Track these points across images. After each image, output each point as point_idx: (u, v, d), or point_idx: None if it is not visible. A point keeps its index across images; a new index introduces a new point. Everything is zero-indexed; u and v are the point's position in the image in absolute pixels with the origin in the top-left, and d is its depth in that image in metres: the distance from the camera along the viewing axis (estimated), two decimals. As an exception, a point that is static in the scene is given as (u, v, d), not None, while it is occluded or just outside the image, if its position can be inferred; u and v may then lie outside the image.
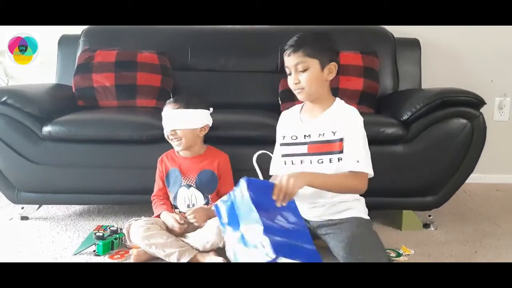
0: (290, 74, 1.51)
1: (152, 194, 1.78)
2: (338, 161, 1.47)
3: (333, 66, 1.49)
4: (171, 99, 1.77)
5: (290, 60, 1.48)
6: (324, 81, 1.50)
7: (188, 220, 1.67)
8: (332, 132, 1.48)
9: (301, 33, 1.51)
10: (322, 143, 1.49)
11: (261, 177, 1.45)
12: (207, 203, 1.72)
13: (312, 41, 1.47)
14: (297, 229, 1.29)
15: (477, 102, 1.81)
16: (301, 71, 1.47)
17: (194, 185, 1.72)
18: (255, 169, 1.60)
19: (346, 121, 1.48)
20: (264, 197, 1.27)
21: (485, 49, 2.60)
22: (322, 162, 1.48)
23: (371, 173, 1.45)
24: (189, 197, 1.72)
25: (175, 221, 1.63)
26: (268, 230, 1.19)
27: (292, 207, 1.33)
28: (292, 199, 1.32)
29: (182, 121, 1.68)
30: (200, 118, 1.71)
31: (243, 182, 1.26)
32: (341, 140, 1.46)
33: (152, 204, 1.77)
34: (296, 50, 1.45)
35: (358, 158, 1.43)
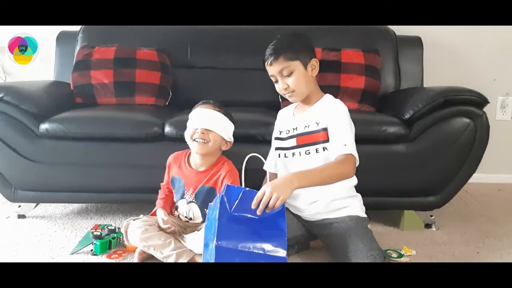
0: (276, 81, 1.53)
1: (162, 183, 1.75)
2: (324, 150, 1.48)
3: (314, 62, 1.53)
4: (208, 100, 1.65)
5: (274, 69, 1.50)
6: (310, 78, 1.54)
7: (188, 224, 1.67)
8: (316, 123, 1.51)
9: (275, 42, 1.53)
10: (308, 134, 1.52)
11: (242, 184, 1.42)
12: (204, 218, 1.65)
13: (289, 45, 1.50)
14: (273, 234, 1.25)
15: (480, 101, 1.79)
16: (286, 75, 1.50)
17: (194, 201, 1.65)
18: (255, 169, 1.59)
19: (330, 110, 1.51)
20: (247, 204, 1.26)
21: (487, 47, 2.58)
22: (309, 153, 1.51)
23: (357, 157, 1.44)
24: (187, 211, 1.68)
25: (162, 221, 1.60)
26: (223, 238, 1.19)
27: (279, 211, 1.28)
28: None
29: (219, 125, 1.60)
30: (231, 131, 1.65)
31: (223, 188, 1.28)
32: (325, 129, 1.48)
33: (159, 192, 1.74)
34: (277, 57, 1.48)
35: (344, 142, 1.43)
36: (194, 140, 1.59)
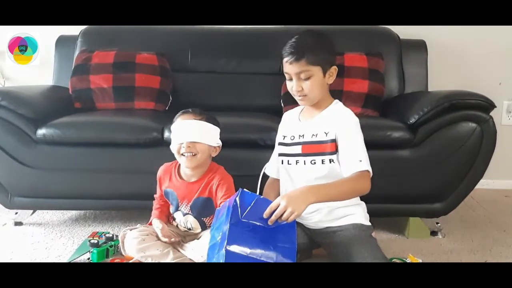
0: (290, 79, 1.46)
1: (155, 195, 1.72)
2: (330, 162, 1.43)
3: (333, 70, 1.46)
4: (187, 109, 1.60)
5: (292, 68, 1.42)
6: (325, 85, 1.48)
7: (188, 233, 1.65)
8: (325, 133, 1.45)
9: (299, 37, 1.44)
10: (315, 143, 1.46)
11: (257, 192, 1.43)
12: (203, 227, 1.63)
13: (313, 48, 1.41)
14: (283, 245, 1.23)
15: (487, 105, 1.75)
16: (304, 79, 1.42)
17: (190, 213, 1.61)
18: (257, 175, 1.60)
19: (341, 123, 1.44)
20: (259, 212, 1.24)
21: (493, 50, 2.54)
22: (315, 163, 1.45)
23: (371, 172, 1.40)
24: (184, 222, 1.64)
25: (160, 232, 1.56)
26: (234, 242, 1.17)
27: (289, 225, 1.26)
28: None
29: (203, 135, 1.53)
30: (216, 136, 1.59)
31: (237, 193, 1.25)
32: (333, 141, 1.43)
33: (153, 203, 1.71)
34: (299, 58, 1.40)
35: (359, 157, 1.39)
36: (182, 154, 1.54)
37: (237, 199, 1.23)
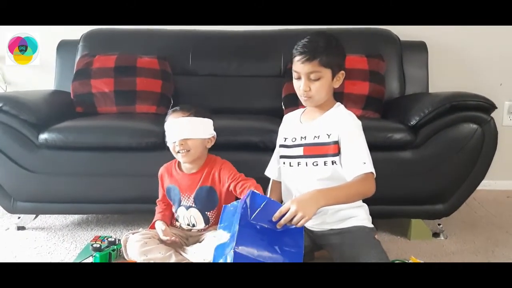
0: (299, 78, 1.46)
1: (157, 199, 1.73)
2: (332, 164, 1.44)
3: (341, 74, 1.48)
4: (176, 107, 1.64)
5: (303, 68, 1.42)
6: (332, 89, 1.49)
7: (190, 234, 1.65)
8: (327, 134, 1.45)
9: (313, 38, 1.44)
10: (317, 145, 1.47)
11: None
12: (207, 222, 1.65)
13: (326, 50, 1.42)
14: (290, 249, 1.23)
15: (488, 107, 1.75)
16: (313, 79, 1.43)
17: (193, 205, 1.63)
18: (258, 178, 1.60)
19: (344, 125, 1.45)
20: (268, 215, 1.24)
21: (494, 51, 2.54)
22: (317, 164, 1.46)
23: (375, 173, 1.40)
24: (188, 218, 1.65)
25: (161, 232, 1.58)
26: (242, 243, 1.17)
27: (297, 229, 1.26)
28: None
29: (193, 130, 1.57)
30: (209, 128, 1.63)
31: (247, 194, 1.26)
32: (336, 143, 1.43)
33: (156, 208, 1.72)
34: (312, 59, 1.41)
35: (363, 160, 1.39)
36: (178, 152, 1.58)
37: (247, 200, 1.24)
